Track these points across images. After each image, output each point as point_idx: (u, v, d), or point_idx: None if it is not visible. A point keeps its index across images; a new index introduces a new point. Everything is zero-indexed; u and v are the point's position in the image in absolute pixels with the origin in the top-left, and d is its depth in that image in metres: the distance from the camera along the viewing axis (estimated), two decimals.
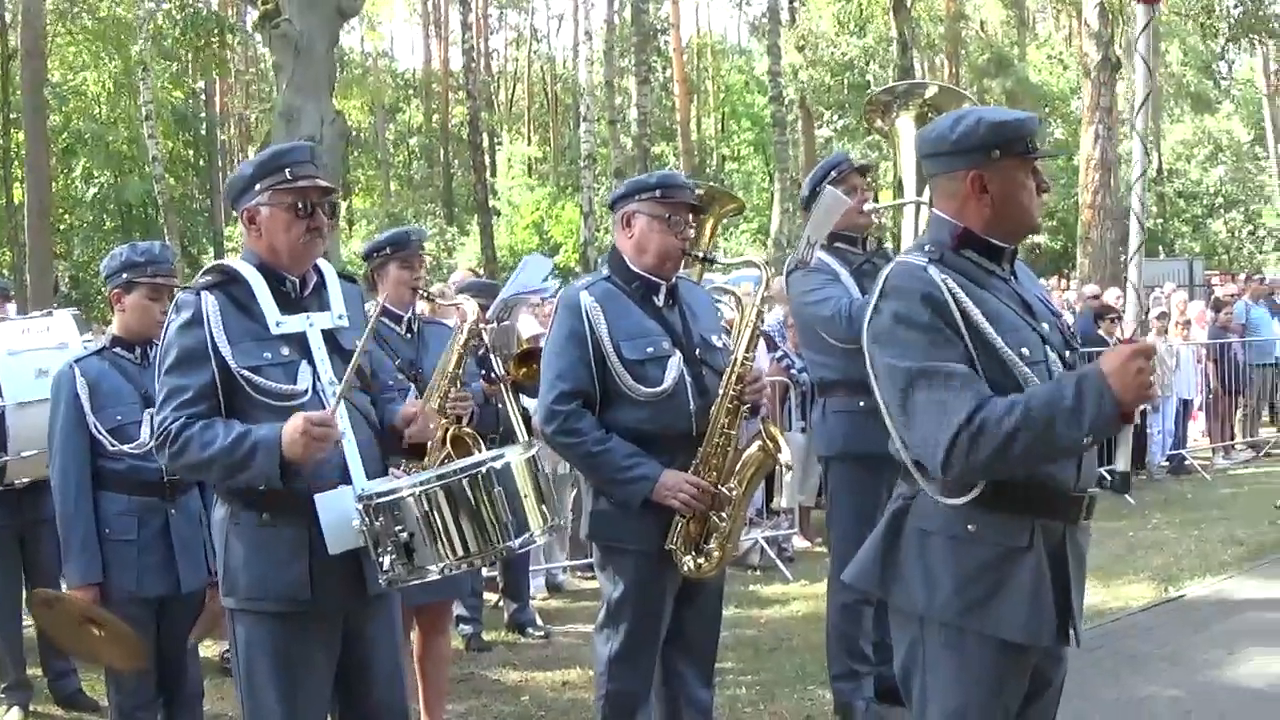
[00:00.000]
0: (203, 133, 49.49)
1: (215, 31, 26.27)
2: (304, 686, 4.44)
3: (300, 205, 4.51)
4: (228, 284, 4.53)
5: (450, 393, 6.53)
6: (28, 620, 8.38)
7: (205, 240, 45.69)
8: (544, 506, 4.38)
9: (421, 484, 4.19)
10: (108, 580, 5.81)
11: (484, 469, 4.22)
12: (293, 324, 4.51)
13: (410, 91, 59.69)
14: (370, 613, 4.59)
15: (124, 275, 5.94)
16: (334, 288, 4.73)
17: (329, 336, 4.58)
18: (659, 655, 5.49)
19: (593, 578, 10.68)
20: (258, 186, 4.53)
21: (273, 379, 4.41)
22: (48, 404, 6.13)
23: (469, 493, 4.17)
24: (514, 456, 4.32)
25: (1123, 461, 3.72)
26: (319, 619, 4.45)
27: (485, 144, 48.48)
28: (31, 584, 7.79)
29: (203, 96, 50.51)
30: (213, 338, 4.38)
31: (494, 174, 51.02)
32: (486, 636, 9.07)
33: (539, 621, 9.44)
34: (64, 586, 6.10)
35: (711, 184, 26.86)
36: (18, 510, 7.53)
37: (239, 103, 52.69)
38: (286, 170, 4.52)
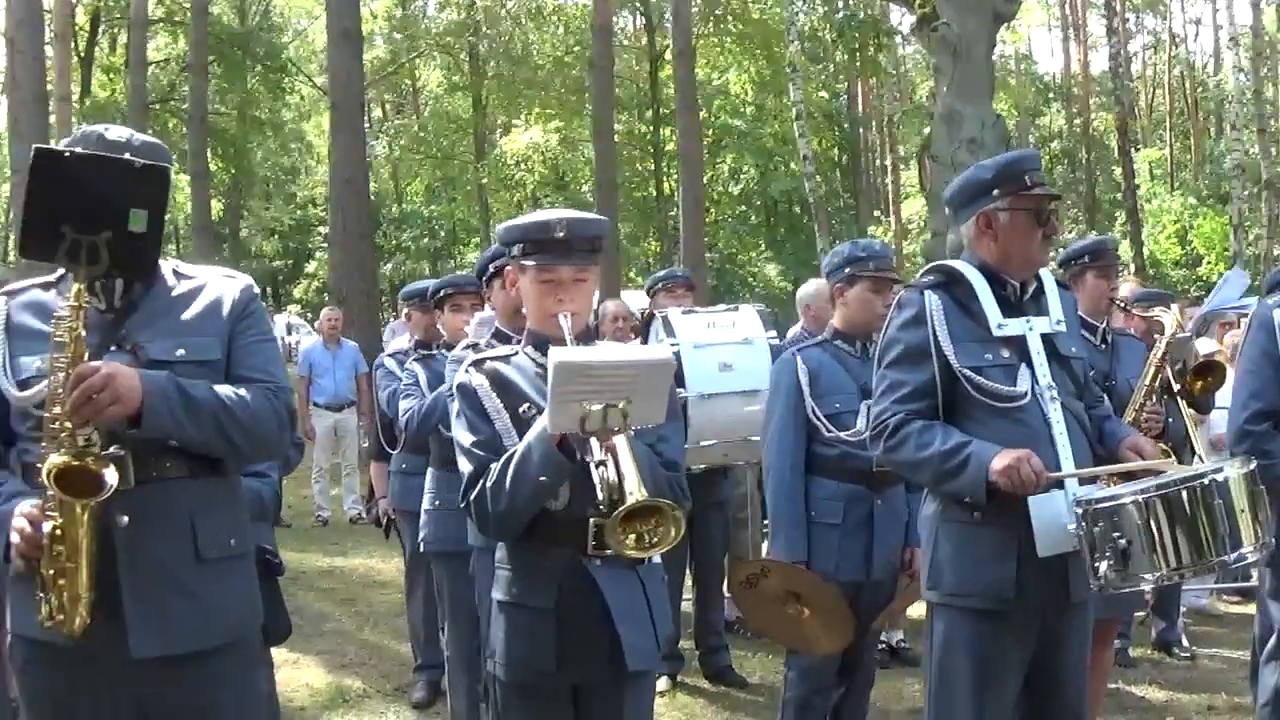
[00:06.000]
0: (847, 131, 50.38)
1: (872, 35, 26.71)
2: (995, 685, 4.50)
3: (1040, 214, 4.62)
4: (950, 285, 4.66)
5: (1145, 406, 6.54)
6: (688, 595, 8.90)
7: (851, 238, 46.56)
8: (1258, 524, 4.22)
9: (1141, 492, 4.14)
10: (809, 563, 6.01)
11: (1204, 480, 4.12)
12: (1013, 327, 4.58)
13: (1050, 95, 58.70)
14: (1068, 619, 4.59)
15: (846, 270, 6.14)
16: (1052, 293, 4.77)
17: (1047, 341, 4.63)
18: None
19: (1239, 603, 10.43)
20: (995, 192, 4.62)
21: (993, 380, 4.49)
22: (728, 398, 6.42)
23: (1187, 504, 4.09)
24: (1232, 471, 4.20)
25: None
26: (1019, 620, 4.49)
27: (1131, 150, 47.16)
28: (695, 564, 8.29)
29: (844, 98, 51.42)
30: (935, 336, 4.52)
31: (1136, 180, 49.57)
32: (1132, 653, 8.97)
33: (1185, 642, 9.25)
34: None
35: None
36: (692, 494, 7.99)
37: (883, 105, 53.24)
38: (1026, 177, 4.62)
